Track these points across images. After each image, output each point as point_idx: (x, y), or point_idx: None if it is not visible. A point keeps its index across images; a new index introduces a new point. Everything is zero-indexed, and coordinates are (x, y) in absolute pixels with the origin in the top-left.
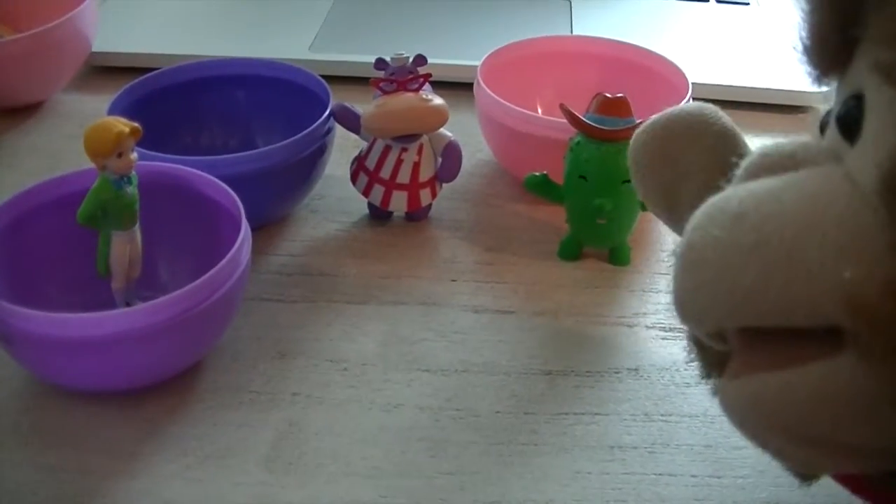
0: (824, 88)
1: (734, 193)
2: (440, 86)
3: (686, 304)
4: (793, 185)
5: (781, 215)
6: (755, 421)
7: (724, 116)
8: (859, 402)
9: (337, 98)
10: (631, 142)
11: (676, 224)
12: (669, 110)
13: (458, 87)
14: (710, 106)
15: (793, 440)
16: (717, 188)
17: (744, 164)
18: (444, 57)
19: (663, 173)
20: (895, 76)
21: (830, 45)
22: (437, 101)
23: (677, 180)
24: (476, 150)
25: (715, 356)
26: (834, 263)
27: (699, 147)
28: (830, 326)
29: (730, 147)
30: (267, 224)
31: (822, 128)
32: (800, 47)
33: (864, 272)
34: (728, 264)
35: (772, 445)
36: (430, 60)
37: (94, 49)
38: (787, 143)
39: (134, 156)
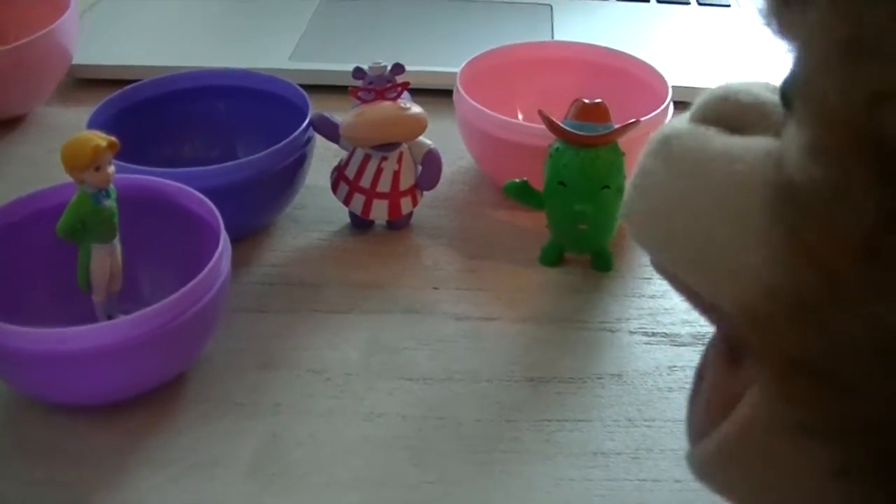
0: None
1: (689, 134)
2: (421, 93)
3: (630, 225)
4: (730, 157)
5: (709, 188)
6: (713, 489)
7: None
8: (777, 441)
9: (318, 107)
10: None
11: None
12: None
13: (438, 95)
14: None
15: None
16: None
17: (703, 99)
18: (425, 64)
19: None
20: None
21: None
22: (416, 109)
23: None
24: (457, 157)
25: None
26: (737, 252)
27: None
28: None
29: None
30: (249, 235)
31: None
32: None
33: (754, 269)
34: (663, 203)
35: None
36: (410, 68)
37: (76, 61)
38: (746, 95)
39: (112, 169)
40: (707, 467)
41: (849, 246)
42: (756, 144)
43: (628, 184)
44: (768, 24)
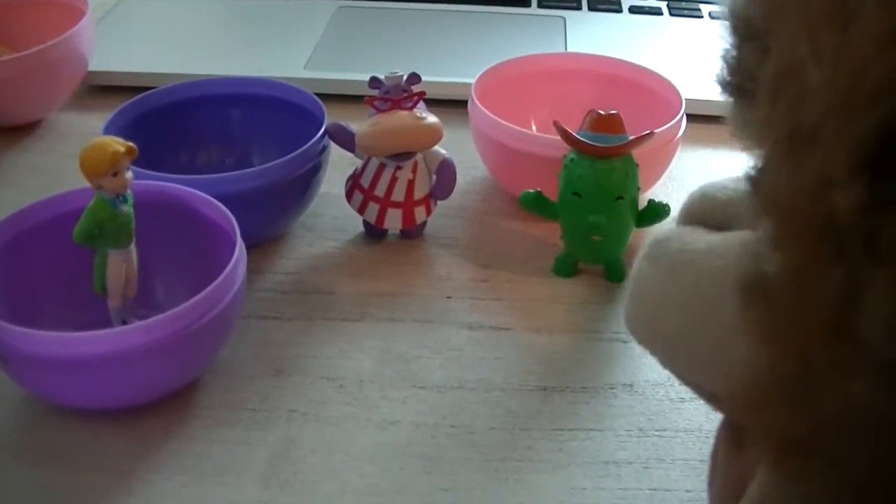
0: None
1: (676, 237)
2: (434, 103)
3: (628, 325)
4: (712, 254)
5: (695, 286)
6: None
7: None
8: None
9: (332, 116)
10: None
11: None
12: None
13: (453, 105)
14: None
15: None
16: None
17: (687, 201)
18: (439, 75)
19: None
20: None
21: None
22: (431, 119)
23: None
24: (472, 167)
25: None
26: (722, 345)
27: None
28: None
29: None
30: (263, 242)
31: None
32: None
33: (738, 359)
34: (655, 306)
35: None
36: (424, 78)
37: (91, 68)
38: (723, 192)
39: (129, 175)
40: None
41: (814, 327)
42: (733, 239)
43: (628, 287)
44: (729, 126)
